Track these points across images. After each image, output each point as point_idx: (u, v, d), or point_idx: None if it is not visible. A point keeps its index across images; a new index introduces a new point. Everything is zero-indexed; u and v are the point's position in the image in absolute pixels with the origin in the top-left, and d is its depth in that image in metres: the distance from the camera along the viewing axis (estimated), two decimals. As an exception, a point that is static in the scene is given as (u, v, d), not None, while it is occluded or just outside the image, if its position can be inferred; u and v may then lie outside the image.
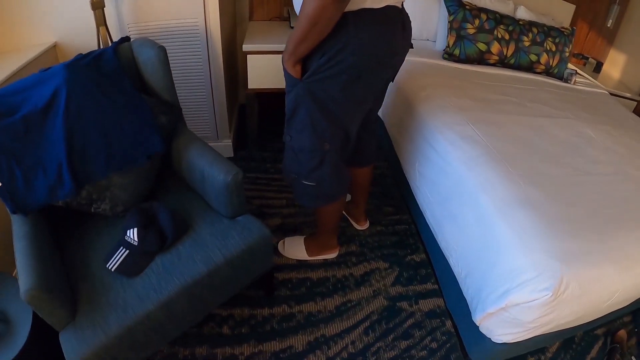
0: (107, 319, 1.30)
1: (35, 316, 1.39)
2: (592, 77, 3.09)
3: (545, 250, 1.27)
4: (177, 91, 1.79)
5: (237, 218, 1.60)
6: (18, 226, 1.41)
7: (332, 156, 1.60)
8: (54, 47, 2.13)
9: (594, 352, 1.87)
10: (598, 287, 1.30)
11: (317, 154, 1.58)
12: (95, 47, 1.95)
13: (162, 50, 1.65)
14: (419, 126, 1.91)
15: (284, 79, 1.49)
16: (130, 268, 1.42)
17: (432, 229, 1.78)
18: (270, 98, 2.66)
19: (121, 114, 1.54)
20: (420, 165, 1.86)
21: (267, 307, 1.91)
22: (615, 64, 3.32)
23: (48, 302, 1.23)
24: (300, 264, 2.10)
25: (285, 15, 2.86)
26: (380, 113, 2.46)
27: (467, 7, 2.51)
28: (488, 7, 2.60)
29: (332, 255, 2.15)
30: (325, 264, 2.11)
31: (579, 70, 3.09)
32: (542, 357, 1.80)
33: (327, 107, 1.47)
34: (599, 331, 1.95)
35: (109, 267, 1.42)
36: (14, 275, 1.68)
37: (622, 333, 1.91)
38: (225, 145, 2.74)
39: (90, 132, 1.48)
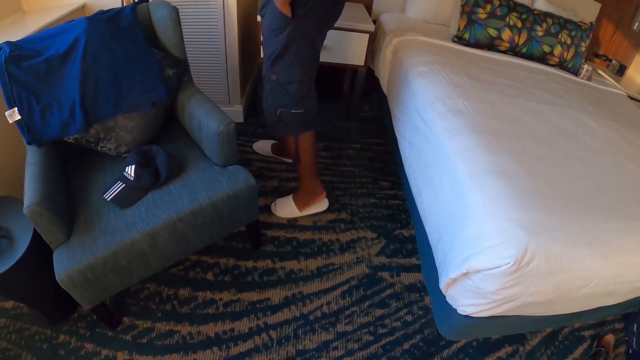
0: (97, 241, 1.43)
1: (34, 236, 1.52)
2: (614, 80, 2.99)
3: (513, 219, 1.26)
4: (193, 54, 1.91)
5: (228, 167, 1.70)
6: (31, 155, 1.57)
7: (313, 84, 1.84)
8: (83, 7, 2.29)
9: (577, 352, 1.84)
10: (569, 269, 1.26)
11: (306, 83, 1.79)
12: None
13: (175, 10, 1.78)
14: (412, 99, 1.95)
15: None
16: (124, 200, 1.55)
17: (414, 198, 1.83)
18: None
19: (132, 64, 1.67)
20: (410, 135, 1.91)
21: (251, 260, 2.00)
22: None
23: (47, 219, 1.37)
24: (290, 224, 2.19)
25: None
26: (385, 89, 2.51)
27: (481, -9, 2.51)
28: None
29: (322, 207, 2.25)
30: (314, 227, 2.18)
31: (599, 70, 3.05)
32: (521, 348, 1.80)
33: (312, 40, 1.72)
34: (586, 333, 1.92)
35: (106, 197, 1.55)
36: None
37: (610, 338, 1.86)
38: (236, 111, 2.83)
39: (103, 77, 1.61)
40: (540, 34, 2.48)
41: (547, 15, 2.55)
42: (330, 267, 2.00)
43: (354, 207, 2.31)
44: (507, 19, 2.46)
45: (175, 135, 1.88)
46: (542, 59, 2.56)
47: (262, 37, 1.81)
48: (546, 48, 2.51)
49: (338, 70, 3.01)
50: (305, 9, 1.60)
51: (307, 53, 1.72)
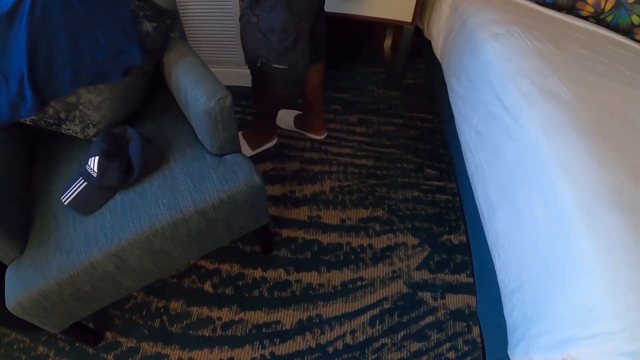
0: (50, 261, 1.10)
1: None
2: None
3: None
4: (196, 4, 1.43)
5: (225, 156, 1.28)
6: None
7: (305, 36, 1.50)
8: None
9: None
10: None
11: (290, 34, 1.45)
12: None
13: None
14: (483, 70, 1.43)
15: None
16: (84, 204, 1.17)
17: (480, 210, 1.35)
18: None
19: (95, 19, 1.25)
20: (478, 121, 1.40)
21: (260, 269, 1.62)
22: None
23: None
24: (312, 222, 1.77)
25: None
26: (438, 54, 2.01)
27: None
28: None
29: (272, 142, 2.05)
30: (342, 227, 1.75)
31: None
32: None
33: None
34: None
35: (63, 201, 1.18)
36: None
37: None
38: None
39: (57, 40, 1.21)
40: (630, 0, 1.89)
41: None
42: (359, 283, 1.59)
43: (393, 202, 1.85)
44: (595, -23, 1.87)
45: (162, 109, 1.46)
46: (629, 31, 1.96)
47: None
48: (635, 19, 1.92)
49: (377, 25, 2.47)
50: None
51: (297, 2, 1.38)
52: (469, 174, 1.47)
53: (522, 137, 1.13)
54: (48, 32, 1.19)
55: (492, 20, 1.60)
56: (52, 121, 1.29)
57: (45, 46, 1.19)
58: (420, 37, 2.26)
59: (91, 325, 1.50)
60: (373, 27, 2.66)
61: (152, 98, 1.49)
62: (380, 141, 2.11)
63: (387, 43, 2.69)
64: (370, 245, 1.70)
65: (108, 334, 1.49)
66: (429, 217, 1.81)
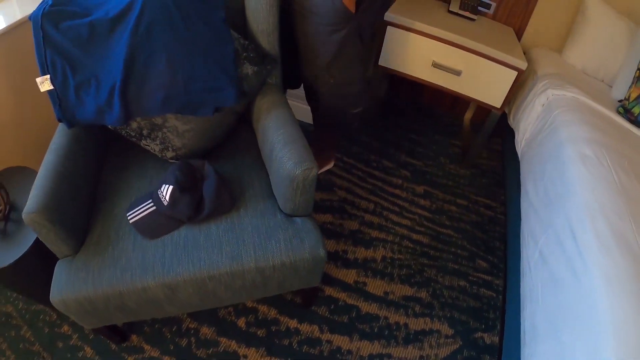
0: (103, 272, 1.13)
1: None
2: None
3: None
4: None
5: (295, 218, 1.29)
6: (57, 137, 1.29)
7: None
8: None
9: None
10: None
11: (364, 81, 1.67)
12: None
13: None
14: (564, 191, 1.39)
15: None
16: (149, 228, 1.21)
17: (522, 332, 1.32)
18: (404, 86, 2.24)
19: (198, 49, 1.27)
20: (546, 243, 1.36)
21: (296, 319, 1.63)
22: None
23: (48, 230, 1.10)
24: (357, 287, 1.77)
25: None
26: (520, 149, 1.99)
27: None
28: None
29: (331, 165, 2.20)
30: (384, 299, 1.74)
31: None
32: None
33: (365, 34, 1.56)
34: None
35: (129, 218, 1.22)
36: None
37: None
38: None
39: (155, 60, 1.24)
40: None
41: None
42: (386, 360, 1.57)
43: (439, 287, 1.83)
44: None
45: (242, 149, 1.49)
46: None
47: (302, 34, 1.54)
48: None
49: (461, 98, 2.46)
50: (368, 2, 1.46)
51: (362, 49, 1.59)
52: (521, 291, 1.45)
53: (585, 281, 1.10)
54: (149, 49, 1.22)
55: (584, 138, 1.57)
56: (134, 134, 1.35)
57: (142, 63, 1.22)
58: (501, 117, 2.24)
59: (120, 324, 1.53)
60: (458, 98, 2.64)
61: (236, 134, 1.53)
62: (440, 220, 2.09)
63: (468, 115, 2.67)
64: (406, 325, 1.68)
65: (134, 337, 1.52)
66: (469, 310, 1.77)
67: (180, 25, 1.23)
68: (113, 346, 1.50)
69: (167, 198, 1.20)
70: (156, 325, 1.56)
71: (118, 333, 1.48)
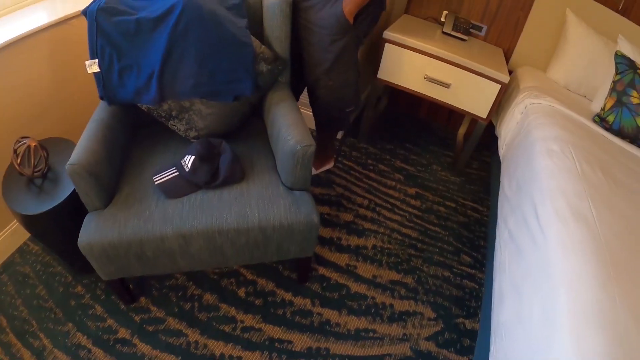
0: (128, 222, 1.32)
1: (74, 192, 1.44)
2: None
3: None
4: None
5: (295, 191, 1.49)
6: (98, 111, 1.51)
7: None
8: None
9: None
10: None
11: (357, 83, 1.92)
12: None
13: (287, 3, 1.60)
14: (531, 180, 1.59)
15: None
16: (171, 189, 1.41)
17: (492, 300, 1.50)
18: (403, 98, 2.44)
19: (223, 47, 1.51)
20: (514, 224, 1.56)
21: (291, 293, 1.80)
22: None
23: (86, 182, 1.29)
24: (348, 269, 1.95)
25: (441, 19, 2.61)
26: (502, 154, 2.19)
27: (640, 71, 2.07)
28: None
29: (331, 165, 2.41)
30: (372, 282, 1.92)
31: None
32: None
33: (359, 43, 1.85)
34: None
35: (154, 180, 1.42)
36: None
37: None
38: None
39: (189, 53, 1.48)
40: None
41: None
42: (371, 334, 1.73)
43: (424, 275, 2.00)
44: (663, 110, 1.99)
45: (254, 135, 1.72)
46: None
47: (307, 44, 1.79)
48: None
49: (455, 113, 2.67)
50: (364, 15, 1.73)
51: (356, 56, 1.84)
52: (493, 263, 1.62)
53: (544, 249, 1.28)
54: (184, 44, 1.46)
55: (553, 136, 1.77)
56: (164, 114, 1.57)
57: (178, 55, 1.46)
58: (492, 133, 2.45)
59: (131, 287, 1.70)
60: (452, 113, 2.88)
61: (248, 123, 1.75)
62: (429, 218, 2.28)
63: (462, 130, 2.88)
64: (391, 305, 1.85)
65: (142, 299, 1.69)
66: (452, 298, 1.94)
67: (211, 28, 1.47)
68: (122, 306, 1.66)
69: (189, 166, 1.42)
70: (163, 290, 1.73)
71: (129, 293, 1.65)
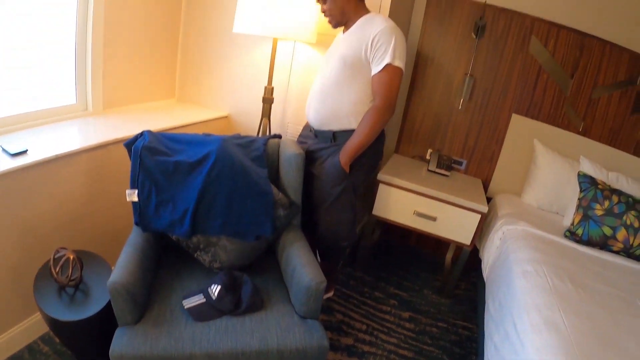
0: (159, 339, 1.48)
1: (108, 304, 1.57)
2: None
3: None
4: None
5: (307, 319, 1.69)
6: (134, 236, 1.75)
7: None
8: (226, 117, 2.92)
9: None
10: None
11: (353, 222, 2.18)
12: (256, 131, 2.56)
13: (301, 157, 1.96)
14: (510, 299, 1.83)
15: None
16: (199, 314, 1.60)
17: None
18: (395, 229, 2.76)
19: (249, 193, 1.81)
20: (499, 339, 1.75)
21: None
22: None
23: (124, 299, 1.48)
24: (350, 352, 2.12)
25: (427, 157, 3.04)
26: (485, 275, 2.45)
27: (600, 186, 2.41)
28: (623, 190, 2.45)
29: (331, 294, 2.57)
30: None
31: None
32: None
33: (358, 190, 2.17)
34: None
35: (184, 305, 1.62)
36: (112, 268, 1.97)
37: None
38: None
39: (220, 197, 1.77)
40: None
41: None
42: None
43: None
44: (625, 218, 2.30)
45: (268, 269, 1.95)
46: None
47: (312, 188, 2.12)
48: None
49: (442, 241, 2.96)
50: (358, 166, 2.06)
51: (354, 200, 2.13)
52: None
53: (523, 356, 1.49)
54: (216, 188, 1.75)
55: (527, 259, 2.05)
56: (192, 246, 1.81)
57: (211, 196, 1.74)
58: (478, 255, 2.72)
59: None
60: (439, 241, 3.14)
61: (263, 258, 1.99)
62: (423, 339, 2.45)
63: (449, 255, 3.14)
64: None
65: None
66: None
67: (240, 177, 1.78)
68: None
69: (216, 294, 1.63)
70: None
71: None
